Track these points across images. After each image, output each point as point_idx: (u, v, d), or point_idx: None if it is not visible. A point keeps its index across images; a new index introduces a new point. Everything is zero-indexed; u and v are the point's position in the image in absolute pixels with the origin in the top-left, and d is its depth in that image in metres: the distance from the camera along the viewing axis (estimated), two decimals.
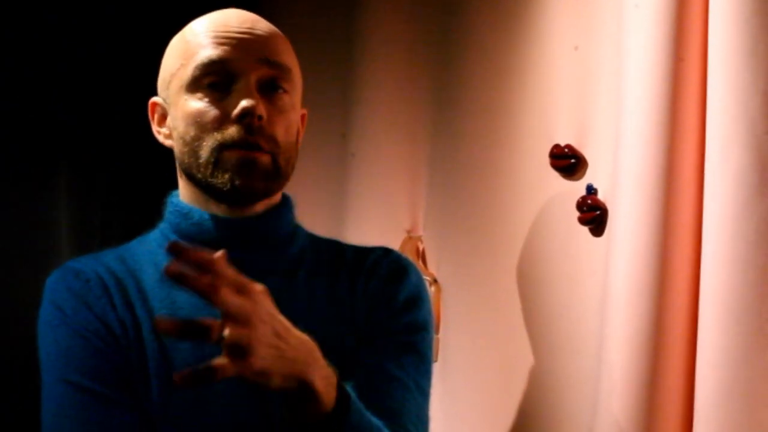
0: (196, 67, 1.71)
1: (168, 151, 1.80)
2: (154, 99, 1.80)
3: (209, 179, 1.71)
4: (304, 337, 1.52)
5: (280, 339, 1.46)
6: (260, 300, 1.45)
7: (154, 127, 1.80)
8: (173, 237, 1.77)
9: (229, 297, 1.41)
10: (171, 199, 1.80)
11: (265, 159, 1.70)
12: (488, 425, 2.20)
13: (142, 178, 2.56)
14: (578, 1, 2.07)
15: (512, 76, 2.20)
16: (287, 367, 1.46)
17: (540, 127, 2.13)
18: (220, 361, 1.41)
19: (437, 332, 2.32)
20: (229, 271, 1.43)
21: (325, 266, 1.78)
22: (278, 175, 1.72)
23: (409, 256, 2.39)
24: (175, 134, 1.76)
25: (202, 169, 1.71)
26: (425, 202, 2.43)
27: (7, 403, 2.40)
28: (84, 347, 1.68)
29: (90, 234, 2.61)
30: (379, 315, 1.76)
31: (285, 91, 1.73)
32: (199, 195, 1.76)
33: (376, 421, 1.60)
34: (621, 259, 1.85)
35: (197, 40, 1.73)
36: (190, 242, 1.74)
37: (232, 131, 1.69)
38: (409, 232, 2.45)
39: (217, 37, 1.72)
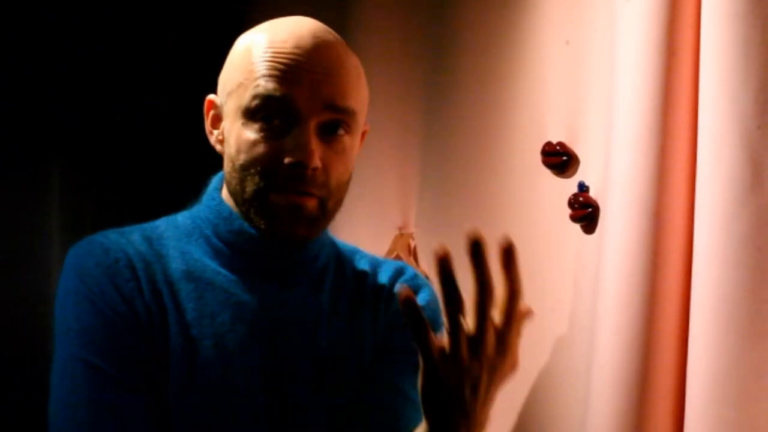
0: (255, 97, 1.63)
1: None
2: (213, 98, 1.73)
3: (249, 214, 1.67)
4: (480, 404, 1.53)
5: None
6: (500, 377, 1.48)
7: (208, 126, 1.74)
8: (208, 232, 1.72)
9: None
10: (213, 193, 1.75)
11: (312, 204, 1.65)
12: None
13: (134, 177, 2.56)
14: None
15: (504, 74, 2.20)
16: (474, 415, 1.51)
17: (532, 125, 2.13)
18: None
19: None
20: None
21: (348, 280, 1.78)
22: (324, 218, 1.69)
23: (401, 253, 2.39)
24: (226, 148, 1.69)
25: (245, 198, 1.67)
26: (417, 199, 2.43)
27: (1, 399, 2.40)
28: (107, 329, 1.64)
29: (81, 233, 2.61)
30: (398, 335, 1.76)
31: (347, 132, 1.66)
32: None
33: None
34: (613, 257, 1.85)
35: (261, 62, 1.63)
36: (224, 242, 1.71)
37: (281, 178, 1.63)
38: (400, 229, 2.44)
39: (283, 66, 1.62)
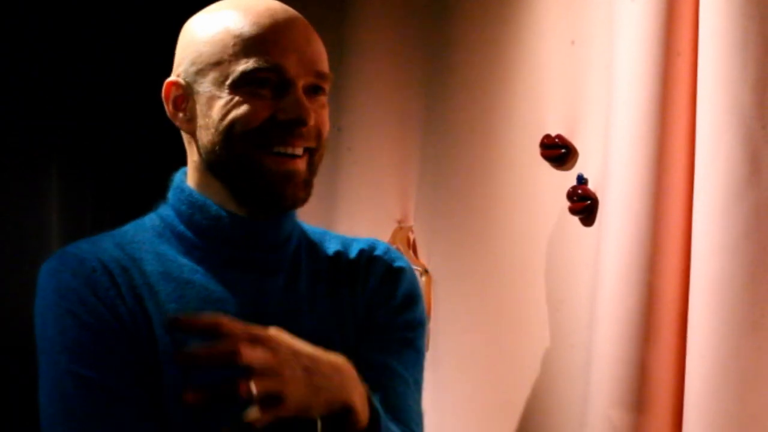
0: (250, 69, 1.65)
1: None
2: (173, 79, 1.73)
3: (241, 182, 1.68)
4: (334, 358, 1.51)
5: (311, 373, 1.46)
6: (280, 344, 1.46)
7: (169, 109, 1.73)
8: (181, 228, 1.72)
9: (250, 353, 1.42)
10: (181, 186, 1.75)
11: (302, 166, 1.68)
12: (478, 415, 2.20)
13: (133, 177, 2.55)
14: None
15: (503, 67, 2.20)
16: (325, 396, 1.47)
17: (531, 118, 2.13)
18: (255, 414, 1.41)
19: (428, 322, 2.32)
20: (238, 327, 1.43)
21: (322, 262, 1.77)
22: (312, 174, 1.70)
23: (400, 246, 2.39)
24: (203, 123, 1.69)
25: (233, 167, 1.67)
26: (416, 192, 2.43)
27: None
28: (94, 340, 1.63)
29: (81, 234, 2.61)
30: (379, 312, 1.76)
31: (324, 93, 1.71)
32: (220, 189, 1.71)
33: (395, 428, 1.61)
34: (611, 249, 1.85)
35: (248, 40, 1.67)
36: (199, 235, 1.71)
37: (276, 134, 1.66)
38: (399, 222, 2.45)
39: (268, 39, 1.67)
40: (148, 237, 1.74)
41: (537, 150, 2.09)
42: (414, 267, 2.33)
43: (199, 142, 1.71)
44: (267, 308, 1.70)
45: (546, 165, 2.09)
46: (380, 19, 2.50)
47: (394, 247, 2.41)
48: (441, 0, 2.37)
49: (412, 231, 2.42)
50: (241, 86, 1.66)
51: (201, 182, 1.72)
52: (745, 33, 1.70)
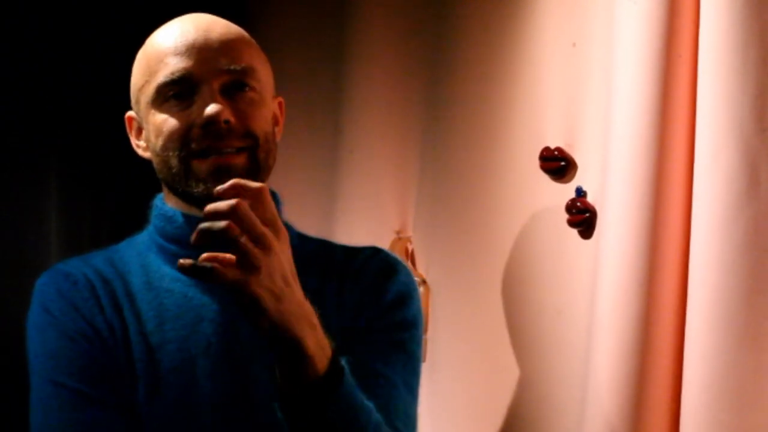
0: (159, 84, 1.71)
1: None
2: (130, 114, 1.81)
3: (186, 188, 1.72)
4: (308, 304, 1.53)
5: (286, 285, 1.48)
6: (283, 249, 1.49)
7: (133, 141, 1.81)
8: (159, 239, 1.79)
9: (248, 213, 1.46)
10: (156, 203, 1.81)
11: (239, 160, 1.70)
12: (476, 425, 2.20)
13: (131, 182, 2.55)
14: (572, 2, 2.07)
15: (502, 79, 2.20)
16: (280, 312, 1.48)
17: (530, 130, 2.13)
18: (226, 268, 1.43)
19: (426, 333, 2.32)
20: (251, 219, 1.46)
21: (314, 266, 1.79)
22: (257, 170, 1.72)
23: (398, 256, 2.39)
24: (150, 146, 1.76)
25: (177, 179, 1.72)
26: (415, 203, 2.43)
27: None
28: (71, 349, 1.70)
29: (80, 239, 2.61)
30: (368, 313, 1.77)
31: (251, 88, 1.73)
32: (181, 200, 1.76)
33: (368, 402, 1.61)
34: (610, 262, 1.85)
35: (157, 56, 1.73)
36: (175, 245, 1.77)
37: (198, 141, 1.69)
38: (398, 232, 2.45)
39: (176, 51, 1.71)
40: (137, 251, 1.81)
41: (536, 162, 2.09)
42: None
43: (154, 164, 1.77)
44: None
45: (545, 177, 2.09)
46: (379, 32, 2.50)
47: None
48: (441, 11, 2.37)
49: (411, 242, 2.42)
50: (161, 103, 1.71)
51: (169, 197, 1.79)
52: (745, 43, 1.70)
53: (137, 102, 1.78)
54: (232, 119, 1.68)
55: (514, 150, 2.17)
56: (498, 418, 2.15)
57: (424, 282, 2.34)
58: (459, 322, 2.26)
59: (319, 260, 1.81)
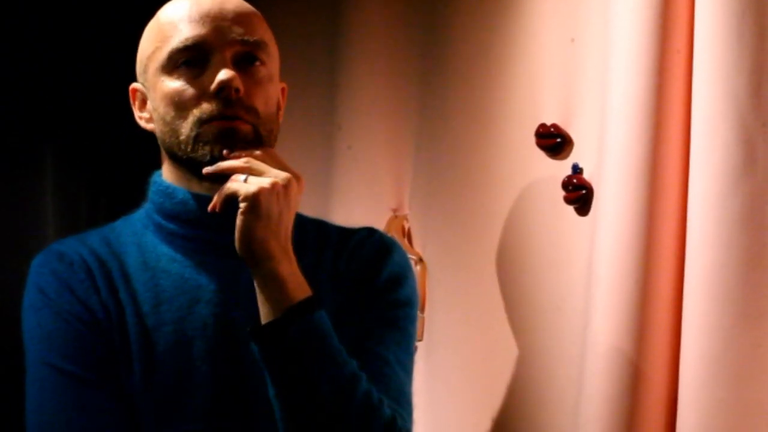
0: (173, 49, 1.72)
1: (150, 135, 1.80)
2: (134, 85, 1.81)
3: (190, 154, 1.71)
4: (290, 247, 1.65)
5: (280, 217, 1.63)
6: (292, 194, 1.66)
7: (136, 113, 1.81)
8: (157, 217, 1.78)
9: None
10: (154, 179, 1.81)
11: (245, 128, 1.70)
12: (472, 404, 2.20)
13: (127, 164, 2.55)
14: None
15: (498, 55, 2.20)
16: (267, 232, 1.62)
17: (526, 107, 2.13)
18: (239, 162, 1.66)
19: (423, 311, 2.32)
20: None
21: (309, 246, 1.79)
22: (260, 143, 1.72)
23: (395, 235, 2.39)
24: (155, 116, 1.76)
25: (183, 146, 1.72)
26: (411, 181, 2.43)
27: None
28: (66, 330, 1.70)
29: (76, 221, 2.61)
30: (362, 292, 1.77)
31: (262, 63, 1.74)
32: (182, 174, 1.76)
33: (347, 356, 1.63)
34: (606, 238, 1.85)
35: (171, 23, 1.73)
36: (173, 223, 1.77)
37: (210, 106, 1.70)
38: (394, 211, 2.45)
39: (191, 18, 1.72)
40: (133, 230, 1.80)
41: (532, 139, 2.09)
42: (409, 256, 2.34)
43: (158, 135, 1.77)
44: (241, 293, 1.72)
45: (541, 154, 2.09)
46: (377, 6, 2.49)
47: (389, 235, 2.42)
48: None
49: (407, 220, 2.42)
50: (171, 69, 1.72)
51: (170, 172, 1.78)
52: (740, 20, 1.70)
53: (145, 70, 1.77)
54: (242, 89, 1.70)
55: (510, 127, 2.16)
56: (495, 395, 2.16)
57: (420, 260, 2.34)
58: (456, 300, 2.26)
59: (314, 240, 1.81)
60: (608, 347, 1.82)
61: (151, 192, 1.80)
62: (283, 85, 1.83)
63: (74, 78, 2.62)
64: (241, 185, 1.62)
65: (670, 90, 1.80)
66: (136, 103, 1.81)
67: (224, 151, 1.67)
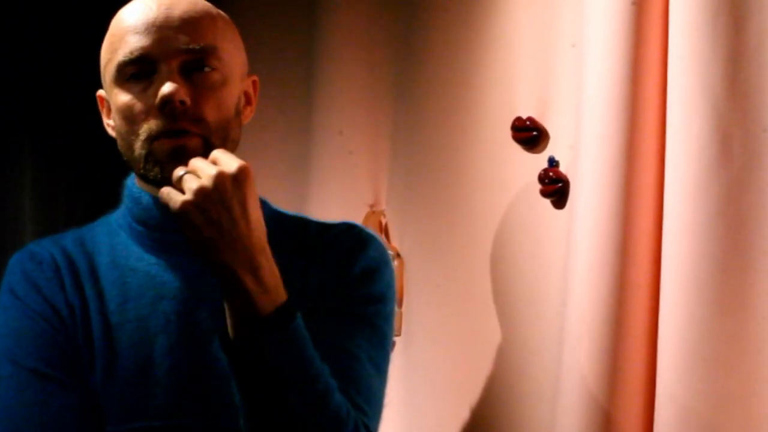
0: (119, 62, 1.70)
1: None
2: (100, 92, 1.80)
3: (142, 172, 1.71)
4: (259, 247, 1.57)
5: (230, 220, 1.54)
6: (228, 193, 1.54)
7: (104, 119, 1.80)
8: (128, 220, 1.79)
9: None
10: (127, 183, 1.81)
11: (194, 143, 1.68)
12: (450, 397, 2.20)
13: (105, 166, 2.54)
14: None
15: (473, 49, 2.20)
16: (214, 240, 1.53)
17: (501, 100, 2.13)
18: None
19: (400, 306, 2.32)
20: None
21: (286, 241, 1.78)
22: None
23: (372, 230, 2.39)
24: (113, 125, 1.76)
25: (136, 163, 1.71)
26: (388, 177, 2.43)
27: None
28: (31, 329, 1.71)
29: (54, 222, 2.61)
30: (335, 287, 1.76)
31: (213, 69, 1.71)
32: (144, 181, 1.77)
33: (321, 363, 1.60)
34: (583, 231, 1.86)
35: (119, 33, 1.72)
36: (142, 224, 1.78)
37: (157, 121, 1.68)
38: (371, 206, 2.44)
39: (136, 29, 1.70)
40: (108, 230, 1.81)
41: (508, 133, 2.09)
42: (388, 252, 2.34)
43: (118, 141, 1.76)
44: (206, 291, 1.72)
45: (517, 148, 2.09)
46: (352, 3, 2.49)
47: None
48: None
49: (384, 215, 2.42)
50: (122, 82, 1.71)
51: (138, 178, 1.78)
52: (716, 9, 1.71)
53: (104, 79, 1.77)
54: (187, 100, 1.67)
55: (485, 120, 2.16)
56: (474, 388, 2.16)
57: (398, 255, 2.34)
58: (433, 295, 2.26)
59: (292, 235, 1.80)
60: (585, 339, 1.82)
61: (124, 195, 1.81)
62: (254, 77, 1.81)
63: (53, 79, 2.61)
64: (169, 195, 1.57)
65: (645, 82, 1.81)
66: (104, 110, 1.80)
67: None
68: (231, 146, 1.72)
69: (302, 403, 1.57)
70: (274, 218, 1.79)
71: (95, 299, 1.73)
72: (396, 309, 2.27)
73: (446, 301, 2.24)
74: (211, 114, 1.69)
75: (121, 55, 1.70)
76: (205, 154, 1.65)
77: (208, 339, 1.66)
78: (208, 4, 1.77)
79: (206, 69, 1.70)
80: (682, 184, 1.73)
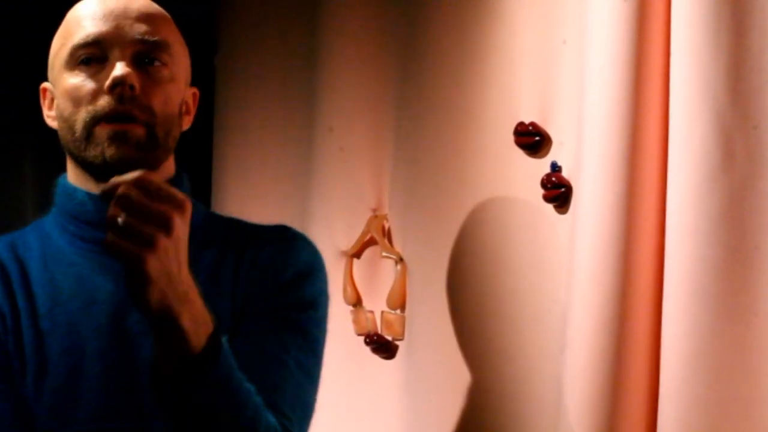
0: (74, 45, 1.72)
1: None
2: (45, 84, 1.81)
3: (83, 153, 1.72)
4: (189, 278, 1.52)
5: (178, 267, 1.48)
6: (180, 236, 1.49)
7: (45, 112, 1.81)
8: (60, 219, 1.78)
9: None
10: (59, 181, 1.81)
11: (138, 130, 1.70)
12: (453, 402, 2.20)
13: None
14: None
15: (476, 54, 2.20)
16: (164, 292, 1.47)
17: (504, 105, 2.13)
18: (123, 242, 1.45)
19: (403, 310, 2.32)
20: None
21: (216, 243, 1.77)
22: (154, 146, 1.72)
23: (375, 234, 2.39)
24: (57, 113, 1.76)
25: (77, 144, 1.72)
26: (390, 181, 2.43)
27: None
28: None
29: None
30: (265, 291, 1.75)
31: (163, 64, 1.74)
32: (81, 174, 1.76)
33: (248, 385, 1.59)
34: (586, 236, 1.85)
35: (76, 20, 1.75)
36: (74, 222, 1.77)
37: (104, 102, 1.69)
38: (374, 210, 2.45)
39: (95, 16, 1.73)
40: (41, 233, 1.80)
41: (511, 138, 2.09)
42: (389, 255, 2.34)
43: (58, 132, 1.77)
44: None
45: (520, 152, 2.09)
46: (355, 4, 2.49)
47: (369, 236, 2.41)
48: None
49: (387, 219, 2.42)
50: (73, 66, 1.73)
51: (72, 173, 1.78)
52: (718, 15, 1.70)
53: (52, 68, 1.78)
54: (137, 86, 1.69)
55: (488, 126, 2.16)
56: (476, 392, 2.16)
57: (401, 259, 2.34)
58: (436, 299, 2.26)
59: (223, 238, 1.80)
60: (588, 344, 1.82)
61: (56, 194, 1.81)
62: (194, 90, 1.84)
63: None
64: (121, 244, 1.47)
65: (647, 87, 1.81)
66: (46, 102, 1.81)
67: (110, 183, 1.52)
68: (172, 143, 1.75)
69: (233, 429, 1.58)
70: (207, 220, 1.79)
71: (26, 305, 1.72)
72: (398, 312, 2.28)
73: (448, 305, 2.24)
74: (157, 106, 1.72)
75: (77, 38, 1.72)
76: (148, 144, 1.69)
77: (140, 342, 1.67)
78: (162, 9, 1.80)
79: (157, 63, 1.73)
80: (685, 188, 1.73)
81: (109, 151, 1.68)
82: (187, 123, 1.81)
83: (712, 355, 1.70)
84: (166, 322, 1.50)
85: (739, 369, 1.69)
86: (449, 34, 2.27)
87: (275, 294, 1.75)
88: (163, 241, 1.46)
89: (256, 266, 1.77)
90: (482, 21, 2.20)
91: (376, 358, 2.37)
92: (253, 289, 1.75)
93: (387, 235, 2.42)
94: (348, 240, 2.44)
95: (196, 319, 1.52)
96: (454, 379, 2.21)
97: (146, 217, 1.46)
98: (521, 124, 2.08)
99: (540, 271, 2.04)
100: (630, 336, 1.80)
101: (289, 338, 1.72)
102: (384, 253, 2.38)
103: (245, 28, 2.70)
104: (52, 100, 1.79)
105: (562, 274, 1.94)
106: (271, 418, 1.62)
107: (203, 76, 2.75)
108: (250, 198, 2.62)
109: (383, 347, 2.35)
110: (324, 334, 1.79)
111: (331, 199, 2.48)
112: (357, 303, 2.41)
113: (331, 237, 2.44)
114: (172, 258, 1.48)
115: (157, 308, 1.49)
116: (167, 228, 1.46)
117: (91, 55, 1.72)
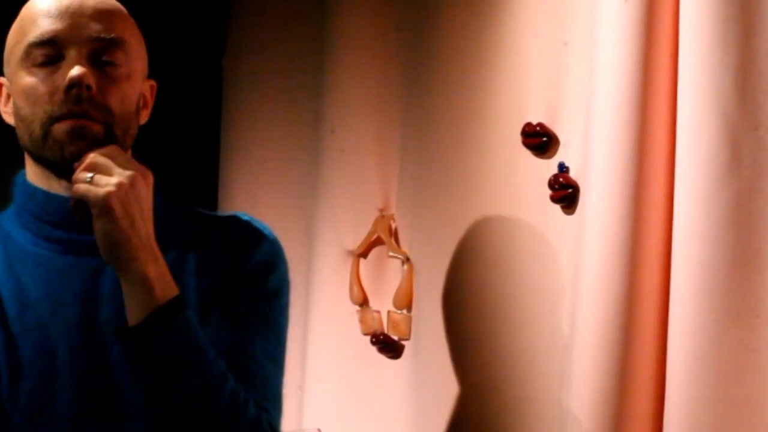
0: (28, 44, 1.71)
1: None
2: (0, 79, 1.80)
3: (41, 152, 1.71)
4: (155, 243, 1.64)
5: (140, 213, 1.62)
6: (141, 191, 1.63)
7: (1, 108, 1.79)
8: (22, 219, 1.77)
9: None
10: (17, 180, 1.79)
11: (96, 128, 1.69)
12: (459, 401, 2.21)
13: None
14: None
15: (484, 55, 2.20)
16: (128, 236, 1.61)
17: (512, 106, 2.13)
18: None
19: (409, 310, 2.33)
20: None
21: (177, 234, 1.77)
22: (112, 143, 1.70)
23: (382, 234, 2.39)
24: (14, 111, 1.75)
25: (35, 143, 1.71)
26: (397, 181, 2.43)
27: None
28: None
29: None
30: (229, 282, 1.76)
31: (119, 62, 1.73)
32: (41, 172, 1.75)
33: (220, 361, 1.63)
34: (593, 237, 1.86)
35: (30, 17, 1.73)
36: (36, 222, 1.75)
37: (61, 103, 1.69)
38: (381, 210, 2.45)
39: (49, 13, 1.72)
40: (1, 236, 1.78)
41: (518, 138, 2.09)
42: (396, 255, 2.34)
43: (16, 131, 1.75)
44: (105, 293, 1.71)
45: (527, 153, 2.09)
46: (362, 6, 2.50)
47: (376, 236, 2.42)
48: None
49: (394, 219, 2.42)
50: (29, 65, 1.72)
51: (31, 171, 1.77)
52: (726, 17, 1.71)
53: (8, 64, 1.77)
54: (94, 87, 1.69)
55: (496, 126, 2.17)
56: (483, 393, 2.16)
57: (408, 259, 2.34)
58: (442, 299, 2.26)
59: (184, 229, 1.79)
60: (595, 344, 1.82)
61: (15, 193, 1.79)
62: (152, 82, 1.83)
63: None
64: (89, 188, 1.61)
65: (655, 89, 1.81)
66: (2, 98, 1.79)
67: (74, 164, 1.65)
68: (129, 141, 1.75)
69: (199, 386, 1.62)
70: (168, 210, 1.79)
71: None
72: (403, 312, 2.28)
73: (455, 306, 2.24)
74: (115, 104, 1.71)
75: (32, 36, 1.71)
76: (106, 142, 1.69)
77: (111, 342, 1.67)
78: (119, 4, 1.79)
79: (113, 61, 1.72)
80: (692, 190, 1.73)
81: (68, 148, 1.68)
82: (144, 117, 1.80)
83: (718, 356, 1.70)
84: (132, 267, 1.60)
85: (745, 370, 1.70)
86: (456, 35, 2.27)
87: (240, 285, 1.76)
88: (125, 187, 1.60)
89: (219, 259, 1.77)
90: (489, 22, 2.20)
91: (382, 358, 2.37)
92: (217, 281, 1.75)
93: (394, 235, 2.42)
94: (355, 240, 2.44)
95: (162, 277, 1.63)
96: (461, 379, 2.21)
97: (110, 173, 1.61)
98: (529, 124, 2.08)
99: (547, 271, 2.04)
100: (636, 336, 1.81)
101: (255, 329, 1.74)
102: (391, 253, 2.38)
103: (252, 30, 2.70)
104: (9, 96, 1.77)
105: (569, 275, 1.95)
106: (243, 390, 1.65)
107: (211, 78, 2.78)
108: (258, 197, 2.62)
109: (389, 347, 2.35)
110: (287, 321, 1.81)
111: (338, 199, 2.49)
112: (363, 303, 2.41)
113: (337, 236, 2.45)
114: (134, 206, 1.61)
115: (123, 251, 1.60)
116: (129, 180, 1.60)
117: (47, 54, 1.71)
